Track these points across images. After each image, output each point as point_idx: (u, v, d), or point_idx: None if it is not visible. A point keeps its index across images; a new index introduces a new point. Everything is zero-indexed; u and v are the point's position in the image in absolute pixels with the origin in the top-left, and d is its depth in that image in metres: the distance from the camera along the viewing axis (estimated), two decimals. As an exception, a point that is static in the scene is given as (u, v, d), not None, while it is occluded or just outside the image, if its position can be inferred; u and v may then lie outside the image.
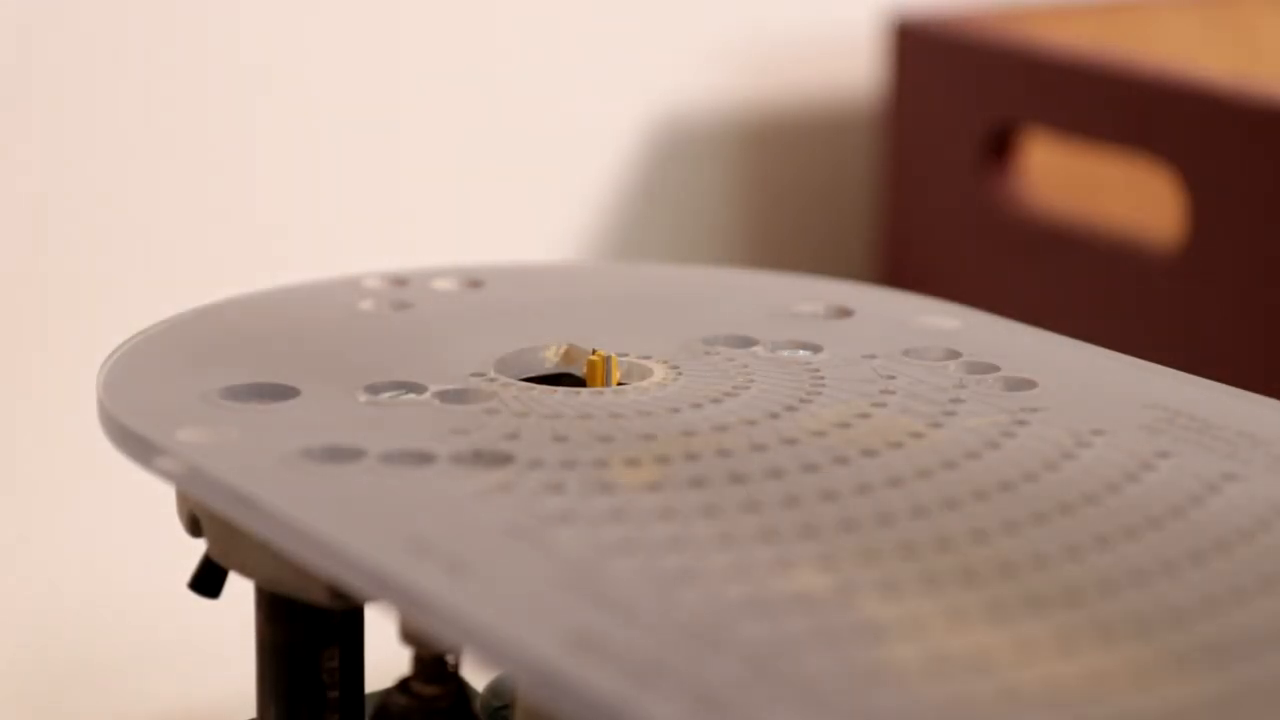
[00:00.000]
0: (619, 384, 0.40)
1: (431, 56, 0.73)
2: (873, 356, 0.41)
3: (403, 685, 0.37)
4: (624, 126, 0.78)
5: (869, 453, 0.36)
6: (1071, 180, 0.78)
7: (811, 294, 0.46)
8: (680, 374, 0.40)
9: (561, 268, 0.51)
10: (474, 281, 0.46)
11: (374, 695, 0.38)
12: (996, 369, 0.41)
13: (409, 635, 0.33)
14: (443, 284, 0.45)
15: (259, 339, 0.41)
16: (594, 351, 0.40)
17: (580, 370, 0.41)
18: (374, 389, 0.38)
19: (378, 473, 0.34)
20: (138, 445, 0.36)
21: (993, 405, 0.39)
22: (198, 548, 0.38)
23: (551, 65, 0.76)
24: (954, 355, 0.41)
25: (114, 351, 0.40)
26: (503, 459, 0.35)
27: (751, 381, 0.40)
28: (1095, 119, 0.69)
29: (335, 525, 0.32)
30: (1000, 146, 0.73)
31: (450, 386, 0.39)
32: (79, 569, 0.69)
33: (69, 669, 0.69)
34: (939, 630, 0.29)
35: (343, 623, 0.38)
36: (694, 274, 0.49)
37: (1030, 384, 0.40)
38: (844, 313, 0.44)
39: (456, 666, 0.37)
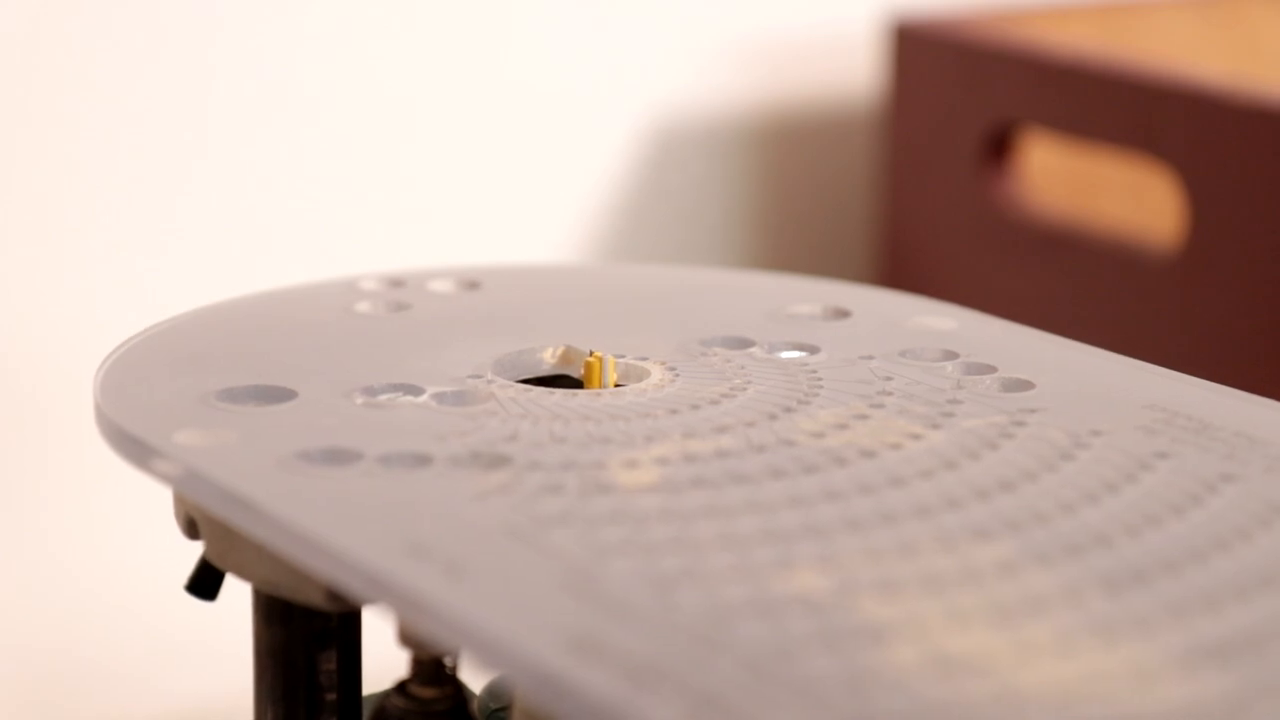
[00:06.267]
0: (616, 385, 0.40)
1: (431, 56, 0.73)
2: (870, 357, 0.41)
3: (400, 688, 0.37)
4: (622, 126, 0.78)
5: (867, 454, 0.36)
6: (1071, 181, 0.78)
7: (808, 295, 0.46)
8: (678, 375, 0.40)
9: (558, 268, 0.51)
10: (471, 282, 0.46)
11: (371, 698, 0.38)
12: (994, 370, 0.40)
13: (407, 638, 0.33)
14: (440, 285, 0.45)
15: (256, 341, 0.41)
16: (591, 353, 0.40)
17: (578, 371, 0.41)
18: (371, 391, 0.38)
19: (375, 475, 0.34)
20: (135, 448, 0.36)
21: (990, 406, 0.39)
22: (195, 550, 0.38)
23: (550, 65, 0.76)
24: (951, 356, 0.41)
25: (111, 354, 0.40)
26: (501, 460, 0.35)
27: (749, 383, 0.39)
28: (1095, 119, 0.69)
29: (333, 527, 0.32)
30: (1000, 147, 0.73)
31: (448, 388, 0.38)
32: (77, 571, 0.69)
33: (69, 669, 0.69)
34: (939, 631, 0.29)
35: (340, 625, 0.38)
36: (691, 275, 0.49)
37: (1028, 385, 0.40)
38: (841, 314, 0.44)
39: (454, 669, 0.37)
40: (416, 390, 0.38)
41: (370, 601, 0.31)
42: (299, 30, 0.70)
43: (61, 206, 0.67)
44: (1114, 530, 0.33)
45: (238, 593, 0.39)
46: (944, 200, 0.75)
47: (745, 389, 0.39)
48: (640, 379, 0.40)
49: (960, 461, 0.36)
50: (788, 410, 0.38)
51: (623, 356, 0.41)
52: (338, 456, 0.35)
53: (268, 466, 0.34)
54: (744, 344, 0.42)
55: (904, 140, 0.76)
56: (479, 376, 0.39)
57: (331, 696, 0.38)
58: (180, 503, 0.37)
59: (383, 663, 0.40)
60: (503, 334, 0.42)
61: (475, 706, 0.38)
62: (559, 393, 0.39)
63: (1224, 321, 0.66)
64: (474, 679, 0.38)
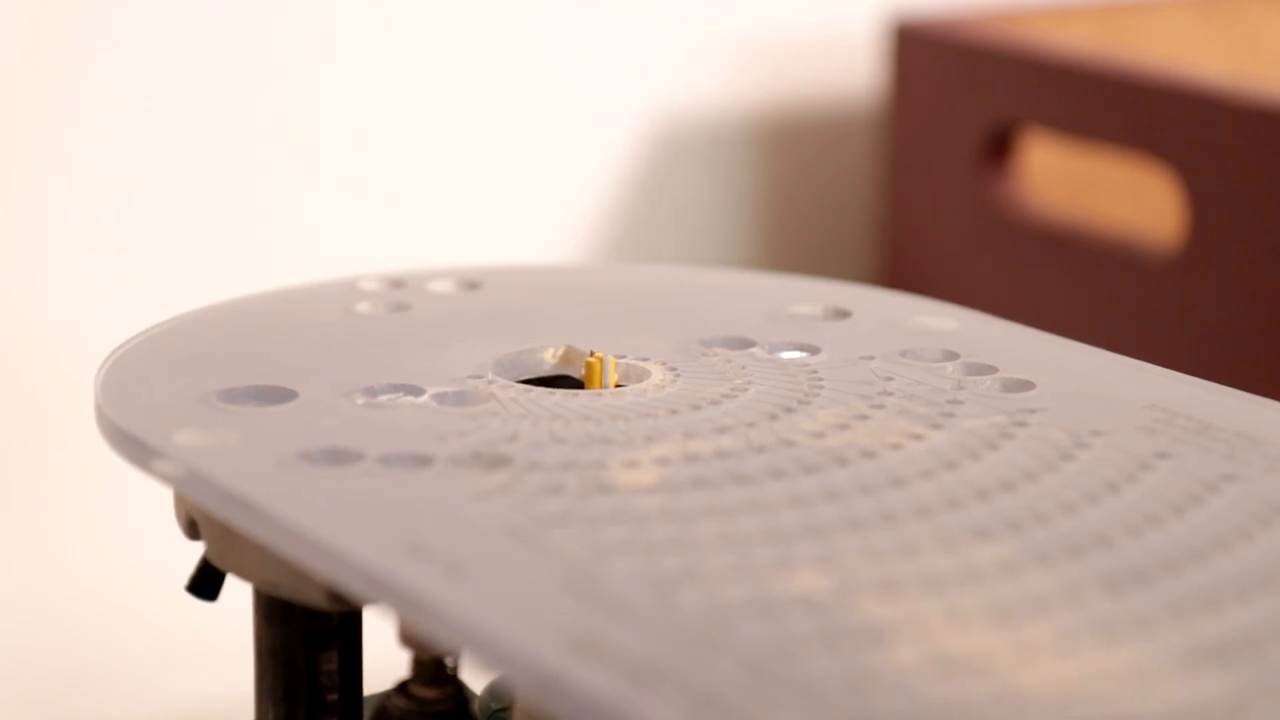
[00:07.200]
0: (617, 385, 0.40)
1: (431, 56, 0.73)
2: (870, 358, 0.41)
3: (401, 688, 0.37)
4: (623, 127, 0.78)
5: (868, 454, 0.36)
6: (1071, 181, 0.78)
7: (809, 295, 0.46)
8: (678, 375, 0.40)
9: (559, 269, 0.51)
10: (471, 283, 0.46)
11: (372, 698, 0.38)
12: (994, 370, 0.40)
13: (408, 638, 0.33)
14: (440, 285, 0.45)
15: (256, 341, 0.41)
16: (592, 353, 0.40)
17: (578, 372, 0.41)
18: (372, 391, 0.38)
19: (376, 475, 0.34)
20: (135, 448, 0.36)
21: (991, 406, 0.39)
22: (195, 550, 0.38)
23: (550, 65, 0.76)
24: (952, 356, 0.41)
25: (111, 354, 0.40)
26: (501, 461, 0.35)
27: (750, 383, 0.39)
28: (1095, 119, 0.69)
29: (333, 528, 0.32)
30: (1000, 147, 0.73)
31: (448, 388, 0.38)
32: (77, 571, 0.69)
33: (69, 669, 0.69)
34: (939, 631, 0.29)
35: (341, 625, 0.38)
36: (691, 275, 0.49)
37: (1029, 385, 0.40)
38: (841, 314, 0.44)
39: (455, 669, 0.37)
40: (417, 390, 0.38)
41: (371, 601, 0.31)
42: (300, 30, 0.70)
43: (62, 206, 0.67)
44: (1114, 530, 0.33)
45: (238, 593, 0.39)
46: (944, 200, 0.75)
47: (746, 389, 0.39)
48: (641, 379, 0.40)
49: (961, 462, 0.36)
50: (788, 410, 0.38)
51: (623, 357, 0.41)
52: (338, 456, 0.35)
53: (268, 466, 0.34)
54: (744, 344, 0.42)
55: (904, 140, 0.76)
56: (479, 377, 0.39)
57: (332, 697, 0.38)
58: (181, 503, 0.37)
59: (383, 663, 0.40)
60: (503, 334, 0.42)
61: (476, 707, 0.38)
62: (559, 393, 0.39)
63: (1224, 321, 0.66)
64: (475, 679, 0.38)
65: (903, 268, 0.77)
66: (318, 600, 0.35)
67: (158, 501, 0.43)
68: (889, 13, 0.77)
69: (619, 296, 0.46)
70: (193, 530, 0.37)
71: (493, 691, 0.39)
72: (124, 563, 0.69)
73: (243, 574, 0.37)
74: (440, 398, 0.38)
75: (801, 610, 0.30)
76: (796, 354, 0.41)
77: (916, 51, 0.75)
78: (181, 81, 0.68)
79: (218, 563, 0.37)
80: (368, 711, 0.38)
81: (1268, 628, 0.30)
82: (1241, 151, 0.65)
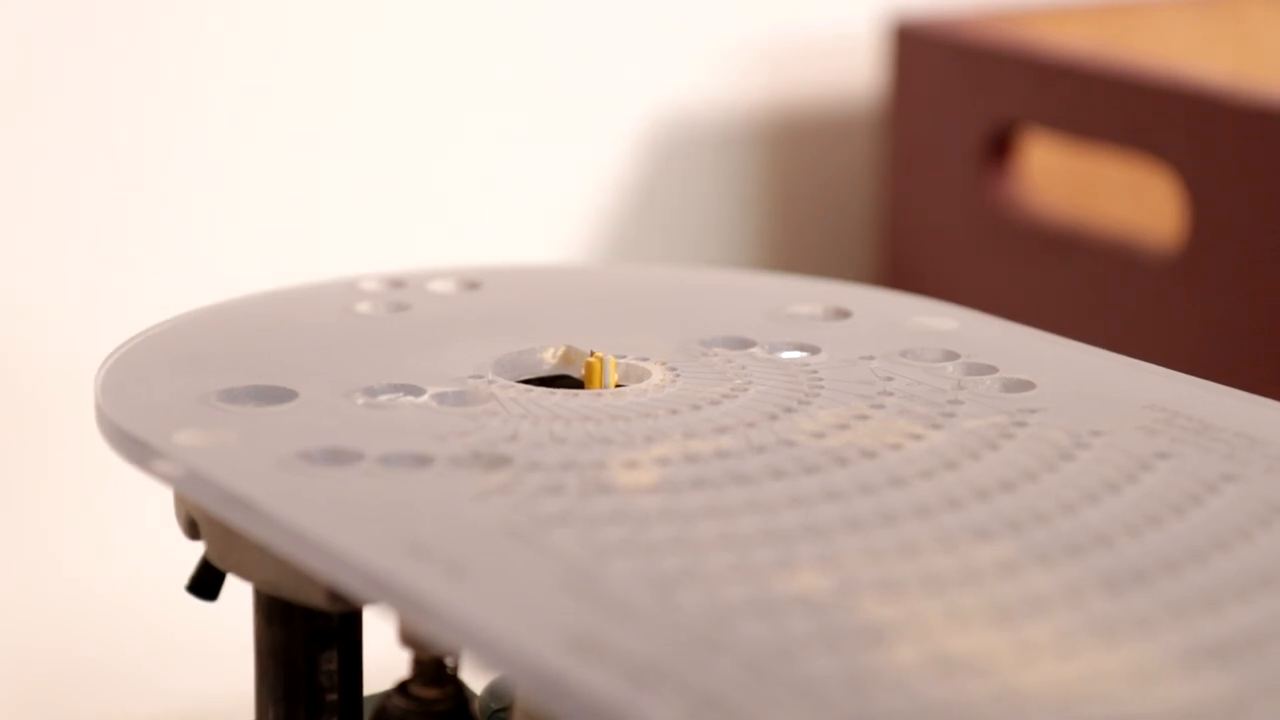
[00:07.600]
0: (617, 385, 0.40)
1: (432, 56, 0.73)
2: (871, 358, 0.41)
3: (401, 688, 0.37)
4: (623, 127, 0.78)
5: (868, 454, 0.36)
6: (1071, 181, 0.78)
7: (809, 295, 0.46)
8: (678, 375, 0.40)
9: (559, 269, 0.51)
10: (471, 283, 0.46)
11: (372, 698, 0.38)
12: (995, 370, 0.40)
13: (408, 638, 0.33)
14: (440, 285, 0.45)
15: (256, 341, 0.41)
16: (592, 353, 0.40)
17: (578, 372, 0.41)
18: (372, 391, 0.38)
19: (376, 475, 0.34)
20: (135, 448, 0.36)
21: (991, 406, 0.39)
22: (195, 550, 0.38)
23: (551, 65, 0.76)
24: (952, 356, 0.41)
25: (111, 354, 0.40)
26: (501, 461, 0.35)
27: (750, 383, 0.39)
28: (1095, 119, 0.69)
29: (333, 528, 0.32)
30: (1000, 147, 0.73)
31: (448, 388, 0.38)
32: (77, 571, 0.69)
33: (69, 669, 0.69)
34: (939, 631, 0.29)
35: (341, 625, 0.38)
36: (691, 275, 0.49)
37: (1029, 385, 0.40)
38: (842, 314, 0.44)
39: (455, 669, 0.37)
40: (417, 390, 0.38)
41: (371, 601, 0.31)
42: (300, 29, 0.70)
43: (61, 206, 0.67)
44: (1114, 530, 0.33)
45: (239, 593, 0.39)
46: (944, 200, 0.75)
47: (746, 389, 0.39)
48: (641, 379, 0.40)
49: (961, 462, 0.36)
50: (788, 410, 0.38)
51: (623, 357, 0.41)
52: (338, 456, 0.35)
53: (268, 466, 0.34)
54: (744, 344, 0.42)
55: (904, 140, 0.76)
56: (479, 377, 0.39)
57: (332, 697, 0.38)
58: (181, 503, 0.37)
59: (384, 663, 0.40)
60: (503, 334, 0.42)
61: (476, 707, 0.38)
62: (559, 393, 0.39)
63: (1224, 321, 0.66)
64: (475, 679, 0.38)
65: (903, 268, 0.77)
66: (318, 600, 0.35)
67: (158, 501, 0.44)
68: (889, 13, 0.77)
69: (619, 296, 0.46)
70: (193, 530, 0.37)
71: (493, 691, 0.39)
72: (124, 563, 0.69)
73: (243, 574, 0.37)
74: (440, 398, 0.38)
75: (801, 610, 0.30)
76: (796, 354, 0.41)
77: (916, 51, 0.75)
78: (183, 82, 0.68)
79: (218, 563, 0.37)
80: (368, 711, 0.38)
81: (1268, 628, 0.30)
82: (1241, 151, 0.65)
